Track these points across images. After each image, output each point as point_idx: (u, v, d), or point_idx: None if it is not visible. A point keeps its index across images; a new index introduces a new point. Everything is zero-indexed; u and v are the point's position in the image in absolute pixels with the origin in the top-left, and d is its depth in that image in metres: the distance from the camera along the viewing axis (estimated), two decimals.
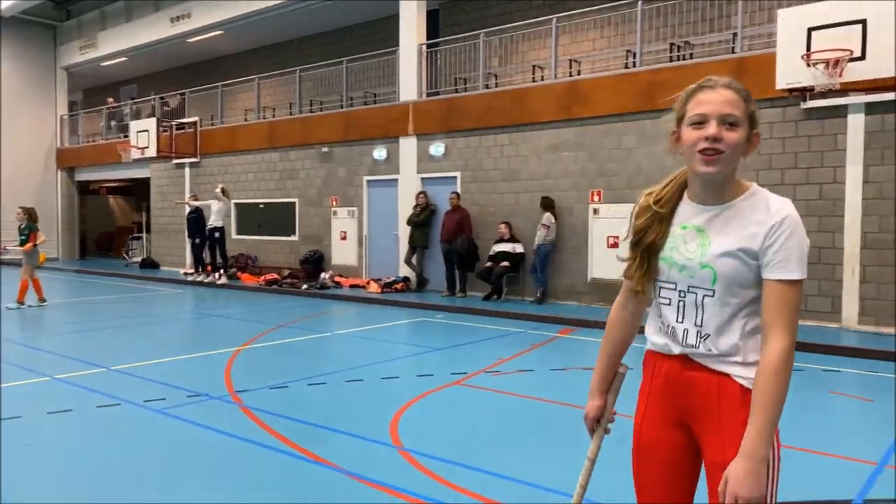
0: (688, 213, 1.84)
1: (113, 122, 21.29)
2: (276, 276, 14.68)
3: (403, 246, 13.11)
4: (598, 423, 2.05)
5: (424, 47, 13.36)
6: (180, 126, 17.97)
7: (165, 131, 17.78)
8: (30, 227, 11.28)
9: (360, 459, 4.20)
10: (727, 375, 1.76)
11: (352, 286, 13.58)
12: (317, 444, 4.46)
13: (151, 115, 18.89)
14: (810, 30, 8.17)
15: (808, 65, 8.18)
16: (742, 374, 1.74)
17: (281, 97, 18.19)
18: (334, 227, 14.81)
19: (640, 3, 10.70)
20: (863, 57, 7.89)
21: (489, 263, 11.58)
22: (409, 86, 13.39)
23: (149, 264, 19.08)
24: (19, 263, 12.26)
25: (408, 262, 12.87)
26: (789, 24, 8.37)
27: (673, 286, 1.84)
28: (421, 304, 11.46)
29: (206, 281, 15.03)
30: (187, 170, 18.28)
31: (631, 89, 10.55)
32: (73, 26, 22.31)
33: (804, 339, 7.30)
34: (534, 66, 13.25)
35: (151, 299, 13.04)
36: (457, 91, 13.25)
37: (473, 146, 12.45)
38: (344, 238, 14.63)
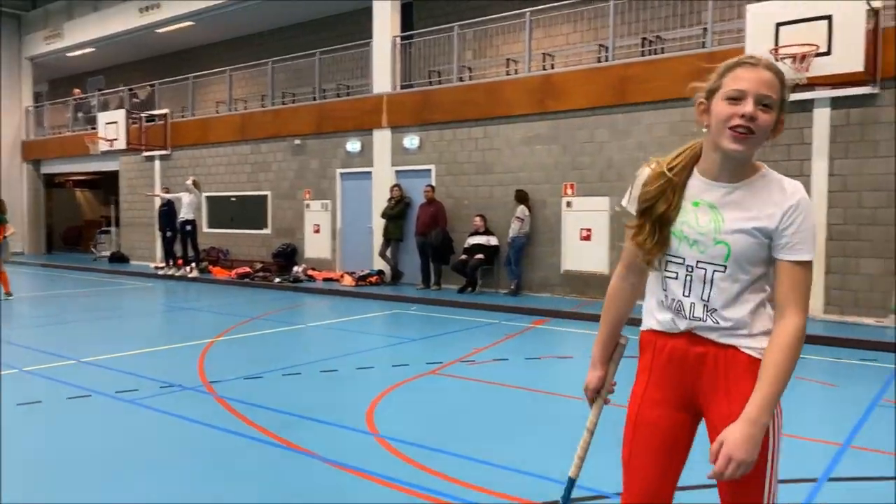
0: (699, 188, 1.81)
1: (80, 114, 20.87)
2: (248, 269, 14.55)
3: (377, 239, 13.09)
4: (599, 393, 2.06)
5: (398, 40, 13.33)
6: (150, 118, 17.70)
7: (135, 123, 17.49)
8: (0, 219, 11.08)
9: (337, 447, 4.20)
10: (734, 347, 1.78)
11: (325, 279, 13.52)
12: (293, 433, 4.46)
13: (120, 106, 18.54)
14: (778, 25, 8.32)
15: (776, 59, 8.32)
16: (749, 345, 1.77)
17: (253, 89, 18.00)
18: (307, 220, 14.72)
19: None
20: (829, 52, 8.06)
21: (464, 256, 11.61)
22: (382, 78, 13.35)
23: (118, 258, 18.78)
24: None
25: (382, 255, 12.85)
26: (758, 20, 8.52)
27: (681, 260, 1.82)
28: (395, 297, 11.47)
29: (177, 274, 14.85)
30: (157, 162, 18.02)
31: (603, 83, 10.65)
32: (39, 16, 21.82)
33: None
34: (508, 60, 13.29)
35: (121, 293, 12.86)
36: (431, 84, 13.25)
37: (448, 139, 12.46)
38: (317, 231, 14.56)
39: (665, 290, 1.86)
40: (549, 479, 3.67)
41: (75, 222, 25.00)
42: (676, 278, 1.83)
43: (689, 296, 1.81)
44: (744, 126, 1.68)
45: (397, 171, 13.17)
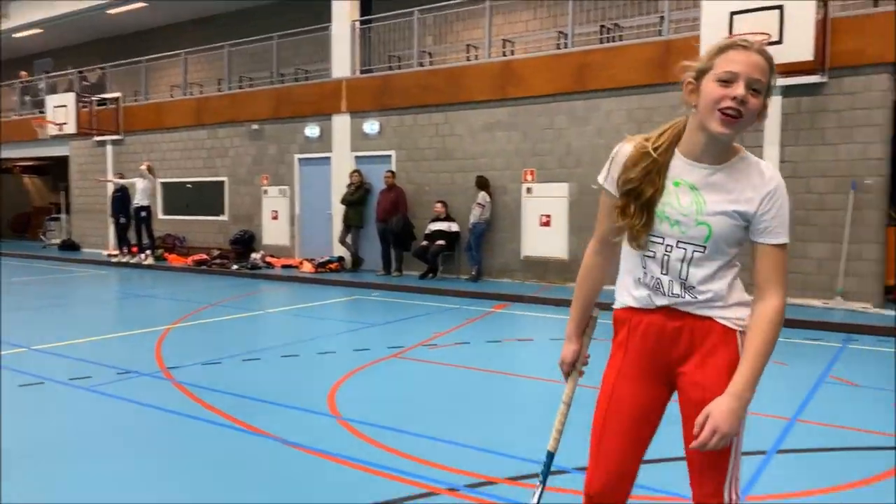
0: (680, 168, 1.82)
1: (27, 98, 20.17)
2: (205, 256, 14.31)
3: (337, 225, 13.00)
4: (574, 367, 2.10)
5: (358, 24, 13.20)
6: (101, 102, 17.20)
7: (85, 107, 16.97)
8: None
9: (300, 429, 4.19)
10: (710, 318, 1.84)
11: (284, 266, 13.39)
12: (254, 417, 4.42)
13: (69, 90, 17.99)
14: (732, 14, 8.49)
15: None
16: (724, 315, 1.83)
17: (209, 73, 17.64)
18: (265, 207, 14.53)
19: None
20: (780, 41, 8.26)
21: (425, 242, 11.62)
22: (342, 63, 13.22)
23: (69, 246, 18.26)
24: None
25: (342, 241, 12.77)
26: (712, 8, 8.67)
27: (661, 240, 1.84)
28: (356, 283, 11.43)
29: (131, 262, 14.52)
30: (109, 147, 17.53)
31: (563, 70, 10.73)
32: None
33: None
34: (468, 46, 13.29)
35: (74, 281, 12.53)
36: (391, 69, 13.17)
37: (408, 124, 12.42)
38: (275, 218, 14.39)
39: (644, 269, 1.88)
40: (514, 457, 3.72)
41: (23, 209, 24.24)
42: (654, 257, 1.86)
43: (667, 273, 1.85)
44: (734, 109, 1.68)
45: (357, 157, 13.08)
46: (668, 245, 1.83)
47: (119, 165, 16.99)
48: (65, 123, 16.60)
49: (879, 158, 8.46)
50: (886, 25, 8.30)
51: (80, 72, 18.84)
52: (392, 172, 12.24)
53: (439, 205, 11.63)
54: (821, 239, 8.71)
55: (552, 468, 2.14)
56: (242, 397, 4.88)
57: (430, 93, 12.04)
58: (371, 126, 12.78)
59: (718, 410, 1.71)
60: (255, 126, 14.46)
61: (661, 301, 1.86)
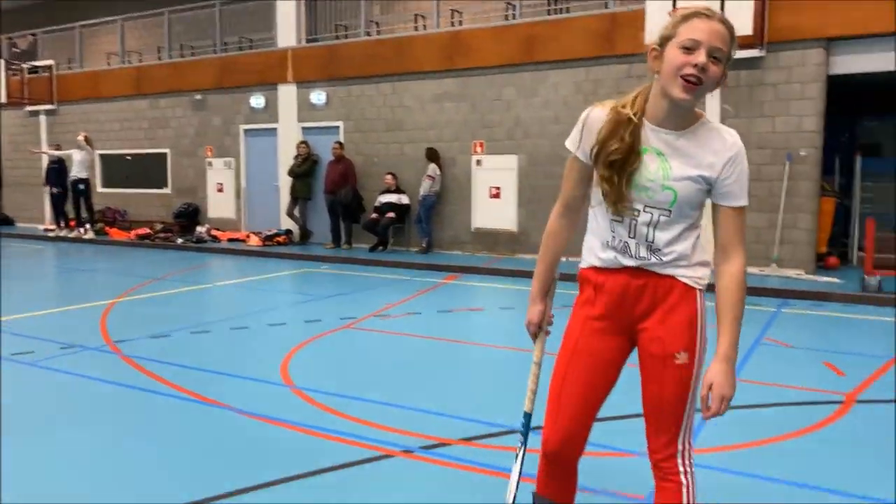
0: (647, 134, 1.86)
1: None
2: (148, 230, 13.95)
3: (284, 197, 12.82)
4: (540, 327, 2.16)
5: None
6: (33, 70, 16.44)
7: (15, 75, 16.21)
8: None
9: (252, 399, 4.19)
10: (672, 277, 1.91)
11: (230, 240, 13.16)
12: (205, 387, 4.40)
13: None
14: None
15: None
16: (686, 274, 1.91)
17: (148, 41, 16.97)
18: (210, 179, 14.21)
19: None
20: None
21: (375, 215, 11.57)
22: (287, 32, 12.95)
23: (1, 220, 17.54)
24: None
25: (290, 214, 12.61)
26: None
27: (629, 205, 1.89)
28: (305, 256, 11.33)
29: (70, 236, 14.05)
30: (43, 118, 16.82)
31: (511, 41, 10.75)
32: None
33: None
34: (416, 16, 13.15)
35: (7, 255, 12.05)
36: (337, 38, 12.96)
37: (356, 95, 12.28)
38: (220, 190, 14.09)
39: (613, 232, 1.93)
40: (466, 419, 3.81)
41: None
42: (622, 222, 1.91)
43: (634, 237, 1.91)
44: (695, 76, 1.73)
45: (304, 128, 12.88)
46: (635, 209, 1.89)
47: (54, 136, 16.32)
48: None
49: (813, 131, 8.80)
50: (822, 1, 8.57)
51: (10, 37, 17.93)
52: (340, 144, 12.11)
53: (389, 177, 11.58)
54: (758, 209, 9.02)
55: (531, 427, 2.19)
56: (193, 369, 4.83)
57: (378, 62, 11.91)
58: (318, 96, 12.59)
59: (718, 379, 1.81)
60: (198, 96, 14.07)
61: (628, 262, 1.93)
